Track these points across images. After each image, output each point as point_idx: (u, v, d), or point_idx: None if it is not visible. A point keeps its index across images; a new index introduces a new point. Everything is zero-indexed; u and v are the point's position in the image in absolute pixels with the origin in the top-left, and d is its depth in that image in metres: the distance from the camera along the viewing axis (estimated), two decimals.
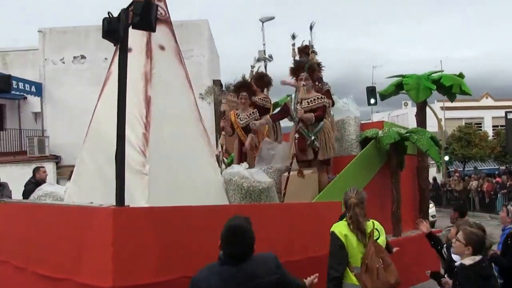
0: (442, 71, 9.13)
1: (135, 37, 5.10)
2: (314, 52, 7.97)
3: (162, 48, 5.25)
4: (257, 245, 3.19)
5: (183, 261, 3.70)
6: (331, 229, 4.14)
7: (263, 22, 18.38)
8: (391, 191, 7.19)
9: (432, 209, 19.03)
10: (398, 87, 8.90)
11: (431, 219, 18.27)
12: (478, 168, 34.51)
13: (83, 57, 23.64)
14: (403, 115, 38.39)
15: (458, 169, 34.11)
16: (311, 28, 7.71)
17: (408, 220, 8.09)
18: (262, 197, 5.00)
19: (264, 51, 17.85)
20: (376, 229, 4.23)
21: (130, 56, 5.21)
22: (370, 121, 24.78)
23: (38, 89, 23.03)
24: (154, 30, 3.81)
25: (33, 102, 23.52)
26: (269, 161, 6.72)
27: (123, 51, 3.72)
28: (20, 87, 22.05)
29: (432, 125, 32.82)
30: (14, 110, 23.89)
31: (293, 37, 8.06)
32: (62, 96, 22.63)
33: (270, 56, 17.33)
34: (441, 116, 31.71)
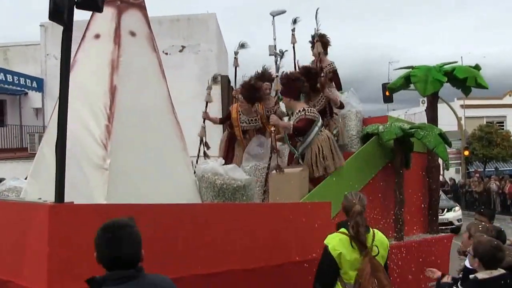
0: (456, 62, 8.54)
1: (104, 22, 4.91)
2: (327, 42, 7.42)
3: (132, 34, 4.94)
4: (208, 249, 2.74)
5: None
6: (325, 241, 3.72)
7: (273, 16, 17.95)
8: (394, 192, 6.65)
9: (458, 212, 18.48)
10: (408, 79, 8.35)
11: (456, 223, 17.66)
12: (500, 169, 33.62)
13: None
14: (420, 113, 37.47)
15: (479, 170, 33.25)
16: (316, 15, 7.08)
17: (416, 224, 7.59)
18: (237, 196, 4.67)
19: (275, 46, 17.59)
20: (376, 245, 3.76)
21: (97, 42, 5.06)
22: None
23: (39, 85, 22.85)
24: (100, 11, 3.50)
25: (34, 97, 23.40)
26: (258, 158, 6.27)
27: (66, 34, 3.34)
28: (21, 83, 21.95)
29: (451, 124, 32.25)
30: (15, 106, 23.84)
31: (294, 21, 7.37)
32: None
33: (281, 52, 17.13)
34: (461, 115, 30.94)
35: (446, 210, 17.52)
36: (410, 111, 38.06)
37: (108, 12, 4.90)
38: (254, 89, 6.48)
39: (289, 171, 5.79)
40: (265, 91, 6.81)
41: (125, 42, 4.81)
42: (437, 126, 8.23)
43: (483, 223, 4.20)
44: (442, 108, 29.12)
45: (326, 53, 7.37)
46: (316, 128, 5.88)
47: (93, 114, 4.55)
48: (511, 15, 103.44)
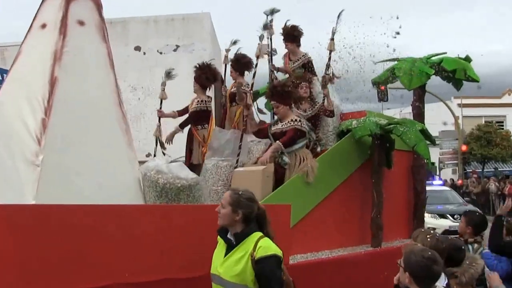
0: (445, 53, 8.01)
1: (51, 12, 4.63)
2: (298, 34, 6.99)
3: (81, 23, 4.65)
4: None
5: (47, 269, 3.06)
6: (272, 252, 2.93)
7: (267, 15, 17.61)
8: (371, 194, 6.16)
9: None
10: (393, 73, 7.84)
11: None
12: (499, 169, 32.95)
13: None
14: None
15: (477, 170, 32.62)
16: (338, 16, 6.42)
17: (399, 228, 7.08)
18: (181, 196, 4.29)
19: (268, 44, 17.26)
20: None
21: (42, 32, 4.66)
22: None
23: None
24: None
25: None
26: (220, 153, 5.81)
27: None
28: None
29: (448, 123, 31.65)
30: None
31: (272, 12, 6.97)
32: None
33: (275, 50, 16.82)
34: (459, 114, 30.37)
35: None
36: (405, 110, 37.45)
37: (57, 1, 4.64)
38: (209, 70, 6.56)
39: (251, 168, 5.35)
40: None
41: (71, 32, 4.53)
42: (423, 122, 7.76)
43: (433, 231, 3.51)
44: (439, 107, 28.76)
45: (298, 45, 6.93)
46: (303, 142, 5.69)
47: (31, 107, 4.26)
48: (509, 13, 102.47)
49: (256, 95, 7.82)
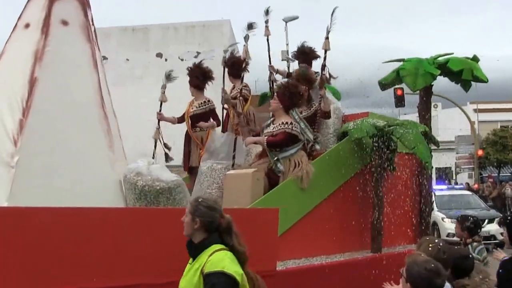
0: (452, 53, 7.54)
1: (35, 12, 4.46)
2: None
3: (65, 23, 4.46)
4: None
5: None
6: (219, 269, 2.50)
7: (286, 22, 17.30)
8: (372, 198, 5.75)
9: (493, 226, 13.17)
10: (399, 74, 7.41)
11: (501, 237, 13.79)
12: None
13: (104, 58, 23.22)
14: (433, 117, 36.00)
15: (492, 175, 31.63)
16: (332, 13, 6.10)
17: (403, 233, 6.63)
18: (160, 199, 4.04)
19: (287, 51, 16.95)
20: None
21: (26, 32, 4.46)
22: None
23: None
24: None
25: None
26: (216, 156, 5.56)
27: None
28: None
29: (464, 128, 30.79)
30: None
31: (267, 12, 6.63)
32: None
33: (294, 56, 16.45)
34: (474, 119, 29.48)
35: (487, 221, 13.23)
36: None
37: (41, 0, 4.47)
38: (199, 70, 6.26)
39: (242, 171, 5.04)
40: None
41: (54, 31, 4.35)
42: (429, 125, 7.33)
43: (436, 240, 3.17)
44: (454, 112, 28.00)
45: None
46: (299, 147, 5.35)
47: (10, 107, 4.08)
48: None
49: (264, 98, 7.52)
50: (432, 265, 2.60)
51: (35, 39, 4.27)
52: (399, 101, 22.24)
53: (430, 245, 3.03)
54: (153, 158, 6.20)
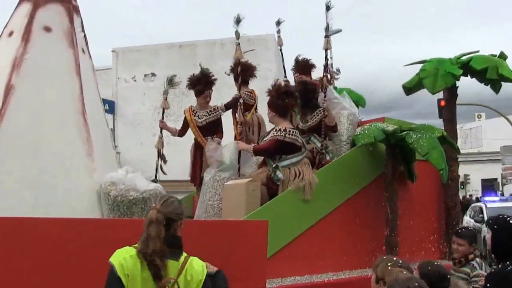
0: (477, 51, 6.67)
1: (18, 19, 4.26)
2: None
3: (47, 29, 4.21)
4: None
5: None
6: (110, 259, 2.31)
7: (329, 36, 16.77)
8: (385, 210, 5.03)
9: None
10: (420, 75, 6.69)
11: None
12: None
13: (153, 74, 23.42)
14: (476, 128, 33.73)
15: None
16: (327, 8, 5.64)
17: (424, 249, 5.82)
18: (134, 210, 3.71)
19: (332, 64, 16.28)
20: (177, 282, 2.27)
21: (9, 40, 4.23)
22: None
23: (111, 107, 22.92)
24: None
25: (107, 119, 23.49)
26: (220, 166, 5.05)
27: None
28: None
29: (510, 138, 28.53)
30: None
31: (278, 23, 6.51)
32: (132, 113, 22.32)
33: (338, 70, 15.78)
34: None
35: None
36: (465, 126, 34.51)
37: (24, 7, 4.28)
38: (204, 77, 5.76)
39: (238, 181, 4.54)
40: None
41: (35, 38, 4.12)
42: (454, 129, 6.49)
43: (395, 258, 2.50)
44: (500, 121, 25.98)
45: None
46: (300, 157, 4.82)
47: None
48: None
49: None
50: (416, 284, 2.14)
51: (16, 47, 4.07)
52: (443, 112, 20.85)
53: (389, 264, 2.49)
54: (159, 168, 5.74)
